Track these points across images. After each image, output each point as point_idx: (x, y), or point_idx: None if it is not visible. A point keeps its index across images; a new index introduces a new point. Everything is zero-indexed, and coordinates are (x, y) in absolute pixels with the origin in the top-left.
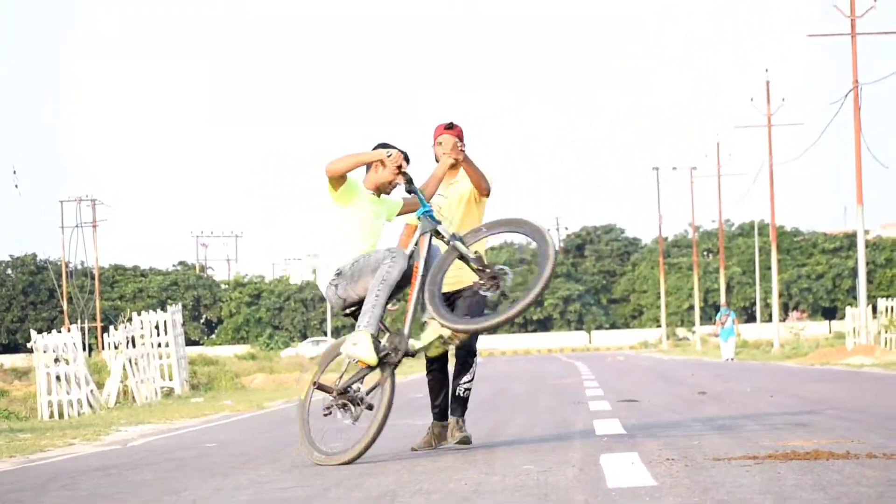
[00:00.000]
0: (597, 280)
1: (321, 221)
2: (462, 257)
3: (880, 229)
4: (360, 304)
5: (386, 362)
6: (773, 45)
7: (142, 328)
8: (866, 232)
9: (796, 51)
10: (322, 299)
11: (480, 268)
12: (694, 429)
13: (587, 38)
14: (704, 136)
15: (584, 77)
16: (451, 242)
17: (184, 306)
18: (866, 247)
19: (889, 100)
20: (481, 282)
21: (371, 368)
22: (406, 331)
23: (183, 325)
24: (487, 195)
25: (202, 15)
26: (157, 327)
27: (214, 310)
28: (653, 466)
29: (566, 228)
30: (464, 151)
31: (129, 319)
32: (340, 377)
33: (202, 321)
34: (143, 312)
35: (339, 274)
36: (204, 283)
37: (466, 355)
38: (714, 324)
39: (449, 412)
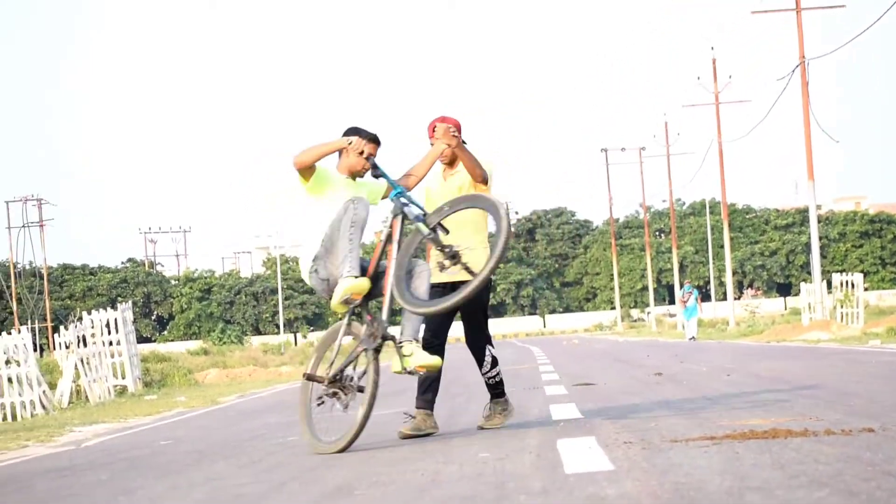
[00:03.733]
0: (549, 264)
1: (299, 215)
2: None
3: (832, 203)
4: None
5: (367, 347)
6: (719, 23)
7: (92, 327)
8: (818, 207)
9: (742, 27)
10: (273, 291)
11: (439, 248)
12: (651, 411)
13: (533, 21)
14: (652, 117)
15: (530, 60)
16: (415, 223)
17: (134, 303)
18: (819, 222)
19: (837, 73)
20: (442, 261)
21: (365, 300)
22: (384, 316)
23: (134, 322)
24: (484, 182)
25: (143, 8)
26: (107, 325)
27: (165, 306)
28: (610, 450)
29: (517, 213)
30: (457, 137)
31: (80, 318)
32: (331, 365)
33: (153, 318)
34: (93, 311)
35: (315, 259)
36: (154, 279)
37: (476, 350)
38: (677, 302)
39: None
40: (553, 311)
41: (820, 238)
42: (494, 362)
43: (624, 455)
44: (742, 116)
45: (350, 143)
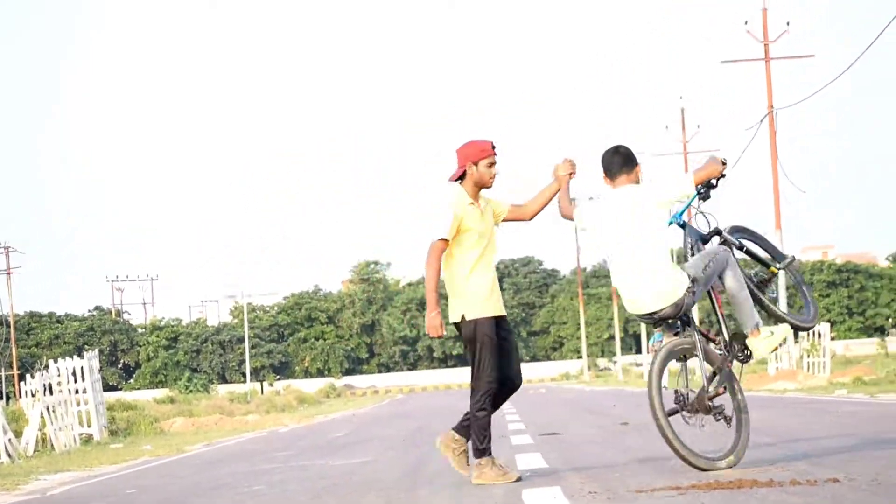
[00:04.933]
0: (516, 313)
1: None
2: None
3: (800, 253)
4: None
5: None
6: (687, 72)
7: (59, 375)
8: None
9: (711, 77)
10: (240, 340)
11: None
12: (616, 460)
13: (500, 71)
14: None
15: (496, 110)
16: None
17: (101, 351)
18: None
19: (805, 123)
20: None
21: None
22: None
23: (100, 370)
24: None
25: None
26: (74, 374)
27: (132, 354)
28: (575, 500)
29: None
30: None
31: (46, 367)
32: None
33: (119, 366)
34: (59, 359)
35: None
36: (120, 327)
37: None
38: (647, 351)
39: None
40: (520, 360)
41: (787, 288)
42: (481, 404)
43: None
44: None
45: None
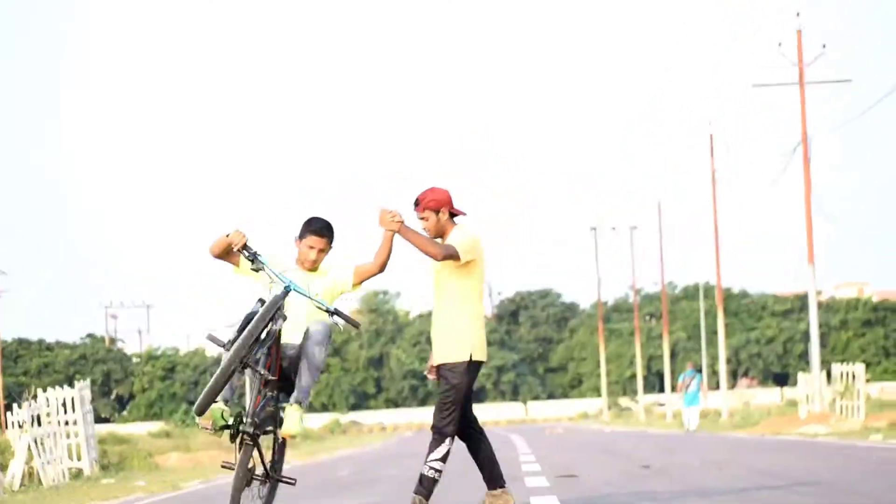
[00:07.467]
0: (532, 348)
1: (243, 295)
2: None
3: (833, 290)
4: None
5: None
6: (717, 97)
7: (48, 406)
8: (818, 293)
9: (742, 102)
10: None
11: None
12: None
13: (523, 92)
14: (646, 194)
15: (519, 133)
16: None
17: (93, 381)
18: (819, 308)
19: (841, 150)
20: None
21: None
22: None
23: (92, 401)
24: (450, 258)
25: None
26: (63, 404)
27: (126, 385)
28: None
29: (499, 293)
30: (398, 222)
31: (35, 396)
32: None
33: (113, 397)
34: (49, 389)
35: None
36: (114, 356)
37: (435, 431)
38: (678, 388)
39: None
40: (536, 398)
41: (820, 326)
42: (442, 455)
43: None
44: (741, 195)
45: (227, 236)
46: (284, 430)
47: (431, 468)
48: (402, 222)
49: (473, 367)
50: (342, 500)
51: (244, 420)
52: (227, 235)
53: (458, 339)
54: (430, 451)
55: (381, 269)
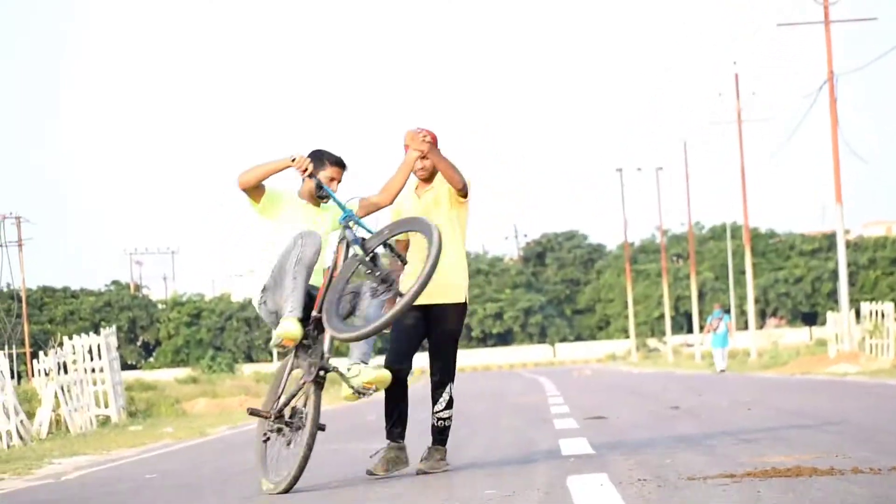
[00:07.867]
0: (559, 290)
1: (254, 238)
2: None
3: (861, 228)
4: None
5: (306, 380)
6: (742, 37)
7: (74, 353)
8: (846, 232)
9: (766, 42)
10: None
11: (370, 270)
12: (667, 446)
13: (548, 38)
14: (671, 134)
15: (543, 77)
16: (350, 246)
17: (119, 328)
18: (847, 247)
19: (867, 90)
20: (374, 285)
21: (302, 349)
22: (324, 347)
23: (118, 348)
24: (464, 194)
25: (119, 20)
26: (90, 352)
27: (151, 331)
28: (623, 488)
29: (525, 235)
30: (429, 143)
31: (60, 344)
32: (277, 399)
33: (139, 344)
34: (74, 336)
35: (264, 290)
36: (139, 303)
37: (436, 383)
38: (706, 329)
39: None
40: (563, 340)
41: (848, 265)
42: (450, 403)
43: (638, 493)
44: (767, 135)
45: (293, 160)
46: (367, 380)
47: (440, 418)
48: (433, 143)
49: (464, 310)
50: (372, 444)
51: (325, 357)
52: (293, 160)
53: (456, 281)
54: (434, 401)
55: (390, 200)
